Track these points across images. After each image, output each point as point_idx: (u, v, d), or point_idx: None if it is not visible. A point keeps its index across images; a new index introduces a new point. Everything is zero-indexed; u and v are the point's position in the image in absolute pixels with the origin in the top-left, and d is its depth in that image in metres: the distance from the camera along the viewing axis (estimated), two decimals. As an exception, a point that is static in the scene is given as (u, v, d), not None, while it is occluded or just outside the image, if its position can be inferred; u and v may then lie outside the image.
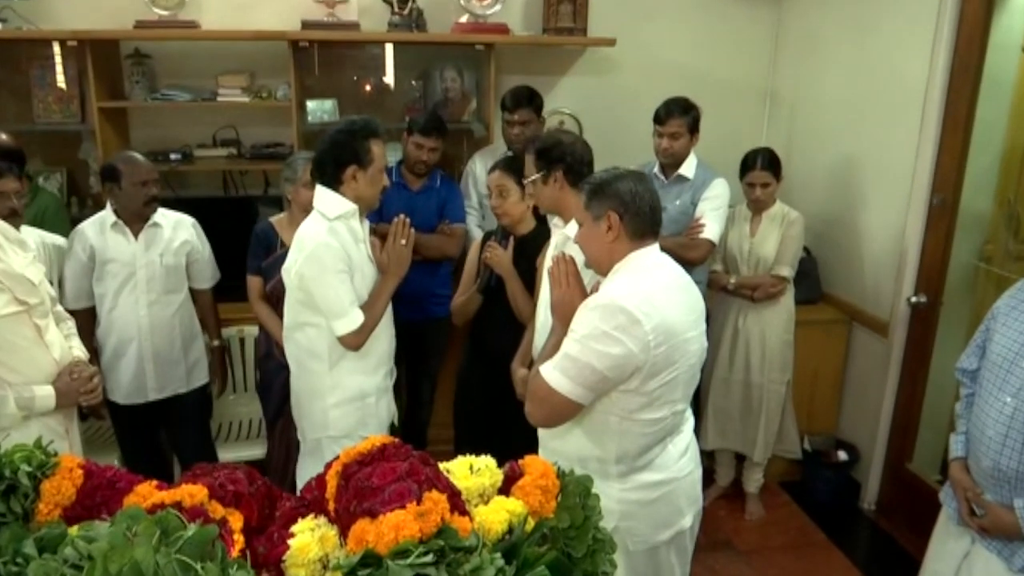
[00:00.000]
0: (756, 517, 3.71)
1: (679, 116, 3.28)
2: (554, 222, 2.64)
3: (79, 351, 2.49)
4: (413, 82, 4.18)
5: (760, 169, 3.42)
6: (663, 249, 3.21)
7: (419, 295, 3.39)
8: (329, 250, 2.41)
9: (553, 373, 1.89)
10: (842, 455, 3.84)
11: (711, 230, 3.24)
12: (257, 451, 3.44)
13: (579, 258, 2.13)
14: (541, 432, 2.14)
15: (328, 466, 1.35)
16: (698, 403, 3.63)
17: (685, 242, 3.24)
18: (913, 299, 3.45)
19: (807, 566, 3.36)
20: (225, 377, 3.42)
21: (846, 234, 3.88)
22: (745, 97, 4.50)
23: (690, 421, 2.13)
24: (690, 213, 3.30)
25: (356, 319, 2.47)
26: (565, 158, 2.46)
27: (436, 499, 1.15)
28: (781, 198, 3.57)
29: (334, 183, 2.49)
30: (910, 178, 3.42)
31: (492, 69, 3.86)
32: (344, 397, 2.58)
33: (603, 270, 2.03)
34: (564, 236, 2.45)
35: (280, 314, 2.90)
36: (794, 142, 4.24)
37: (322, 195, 2.51)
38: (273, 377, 3.13)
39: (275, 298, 3.00)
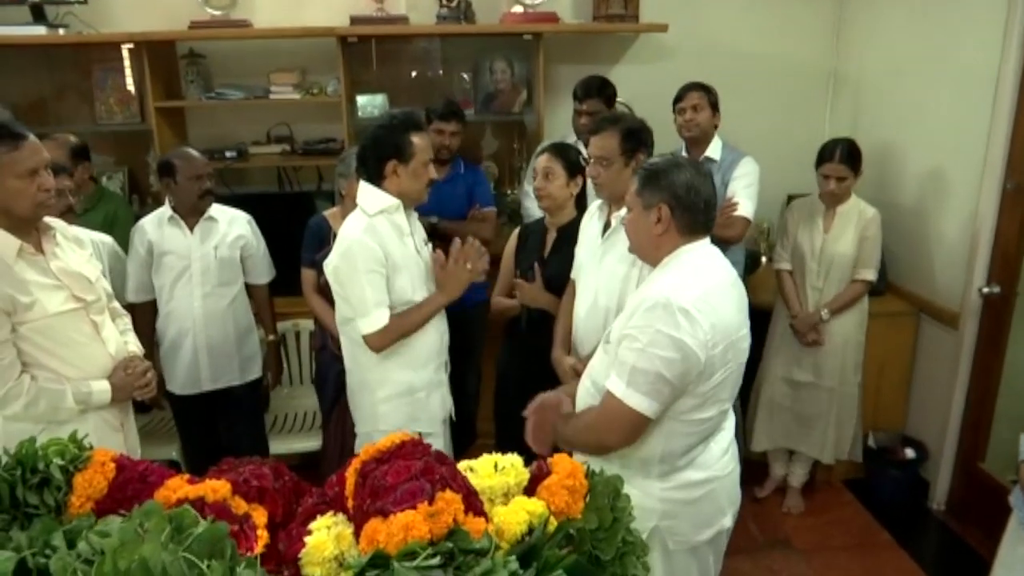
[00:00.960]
0: (796, 511, 3.63)
1: (697, 91, 3.28)
2: (598, 204, 2.59)
3: (134, 346, 2.55)
4: (463, 75, 4.17)
5: (838, 162, 3.28)
6: None
7: None
8: (363, 248, 2.40)
9: (631, 394, 1.81)
10: (909, 452, 3.71)
11: (745, 207, 3.19)
12: (313, 443, 3.48)
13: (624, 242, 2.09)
14: None
15: (349, 462, 1.34)
16: (744, 401, 3.54)
17: (722, 221, 3.18)
18: (985, 289, 3.32)
19: (870, 567, 3.25)
20: (279, 372, 3.47)
21: (914, 222, 3.73)
22: (806, 80, 4.35)
23: (731, 418, 2.08)
24: (721, 195, 3.25)
25: (378, 321, 2.45)
26: (650, 144, 2.44)
27: (449, 499, 1.13)
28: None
29: (376, 178, 2.49)
30: (982, 162, 3.28)
31: (541, 59, 3.83)
32: (393, 392, 2.57)
33: (648, 259, 1.99)
34: (622, 218, 2.40)
35: (334, 307, 2.94)
36: (859, 126, 4.09)
37: (364, 190, 2.51)
38: (328, 369, 3.16)
39: (329, 290, 3.02)
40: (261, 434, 3.40)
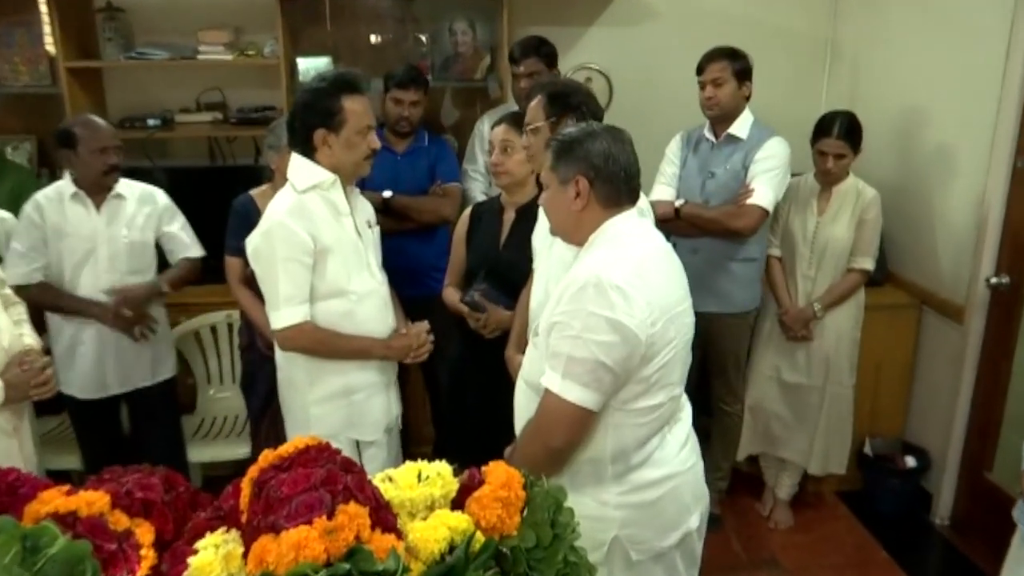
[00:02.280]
0: (783, 526, 3.62)
1: (720, 60, 3.17)
2: None
3: (30, 339, 2.47)
4: (419, 36, 4.12)
5: (836, 137, 3.24)
6: (706, 219, 3.17)
7: (417, 269, 3.35)
8: (284, 232, 2.33)
9: (569, 386, 1.80)
10: (910, 461, 3.71)
11: (762, 195, 3.12)
12: (241, 450, 3.41)
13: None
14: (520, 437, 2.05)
15: (246, 472, 1.27)
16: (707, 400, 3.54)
17: (731, 210, 3.14)
18: (993, 279, 3.32)
19: (865, 588, 3.24)
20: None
21: (916, 205, 3.73)
22: (801, 50, 4.33)
23: (687, 408, 2.08)
24: (742, 179, 3.20)
25: (289, 317, 2.38)
26: (581, 107, 2.38)
27: (353, 513, 1.07)
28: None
29: (306, 149, 2.42)
30: (990, 139, 3.27)
31: (505, 19, 3.79)
32: (327, 392, 2.51)
33: (572, 239, 1.99)
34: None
35: (263, 299, 2.86)
36: (857, 99, 4.07)
37: (295, 164, 2.44)
38: (257, 370, 3.09)
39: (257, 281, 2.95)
40: (178, 440, 3.33)
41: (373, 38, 4.11)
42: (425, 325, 2.67)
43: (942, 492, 3.64)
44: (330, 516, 1.06)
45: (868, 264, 3.36)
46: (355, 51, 4.07)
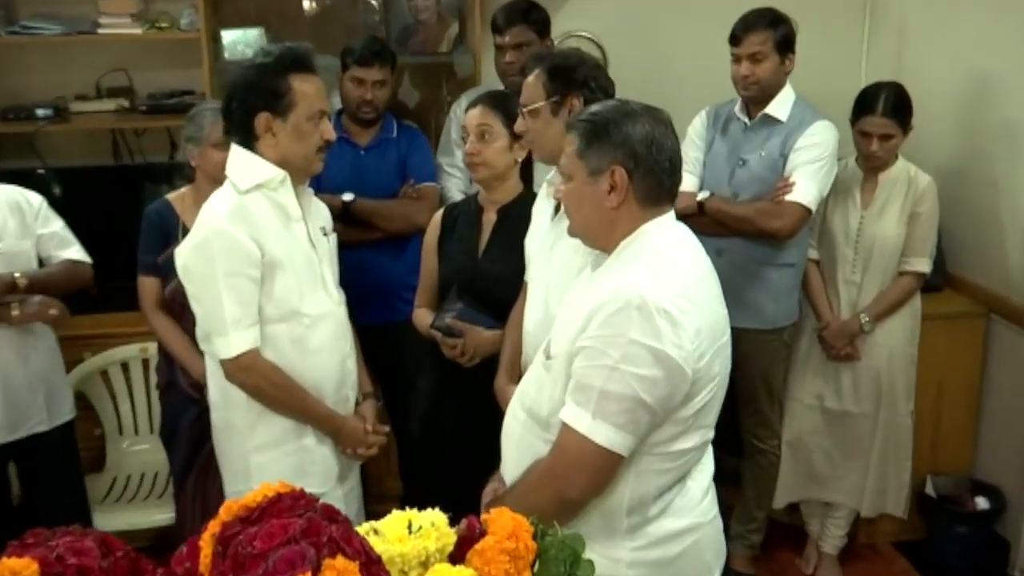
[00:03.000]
0: None
1: (761, 30, 3.22)
2: (548, 178, 2.61)
3: None
4: (371, 2, 4.15)
5: (881, 114, 3.30)
6: (735, 217, 3.24)
7: (384, 289, 3.40)
8: (225, 241, 2.37)
9: (600, 427, 1.82)
10: (981, 502, 3.77)
11: (804, 191, 3.18)
12: (162, 515, 3.42)
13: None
14: (514, 478, 2.09)
15: (205, 528, 1.33)
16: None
17: (766, 207, 3.21)
18: None
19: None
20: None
21: (979, 193, 3.82)
22: (836, 11, 4.44)
23: (710, 449, 2.12)
24: (780, 170, 3.27)
25: (241, 343, 2.41)
26: (589, 83, 2.43)
27: (342, 568, 1.13)
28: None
29: (246, 139, 2.46)
30: None
31: (476, -21, 3.86)
32: (271, 437, 2.55)
33: (598, 243, 2.01)
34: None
35: (187, 327, 2.87)
36: (904, 69, 4.17)
37: (235, 158, 2.48)
38: (180, 415, 3.12)
39: (179, 305, 2.97)
40: (81, 503, 3.32)
41: (311, 3, 4.15)
42: (385, 429, 2.78)
43: (1022, 539, 3.67)
44: (315, 573, 1.11)
45: (924, 266, 3.43)
46: (291, 21, 4.10)
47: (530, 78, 2.49)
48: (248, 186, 2.44)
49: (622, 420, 1.81)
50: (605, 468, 1.86)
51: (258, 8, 4.04)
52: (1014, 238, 3.68)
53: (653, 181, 1.91)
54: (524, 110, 2.50)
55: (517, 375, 2.64)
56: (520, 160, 2.81)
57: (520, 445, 2.05)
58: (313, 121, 2.47)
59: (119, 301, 3.33)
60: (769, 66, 3.23)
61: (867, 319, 3.41)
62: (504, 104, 2.76)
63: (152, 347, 3.55)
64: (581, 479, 1.87)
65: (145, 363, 3.68)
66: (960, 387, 3.86)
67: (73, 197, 3.24)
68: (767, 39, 3.21)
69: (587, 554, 1.47)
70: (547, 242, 2.54)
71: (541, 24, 3.53)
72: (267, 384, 2.47)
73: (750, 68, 3.23)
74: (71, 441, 3.28)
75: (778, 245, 3.30)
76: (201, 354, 2.71)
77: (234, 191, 2.45)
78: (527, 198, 2.81)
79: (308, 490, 2.52)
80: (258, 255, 2.40)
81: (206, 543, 1.27)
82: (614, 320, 1.80)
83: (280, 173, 2.46)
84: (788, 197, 3.18)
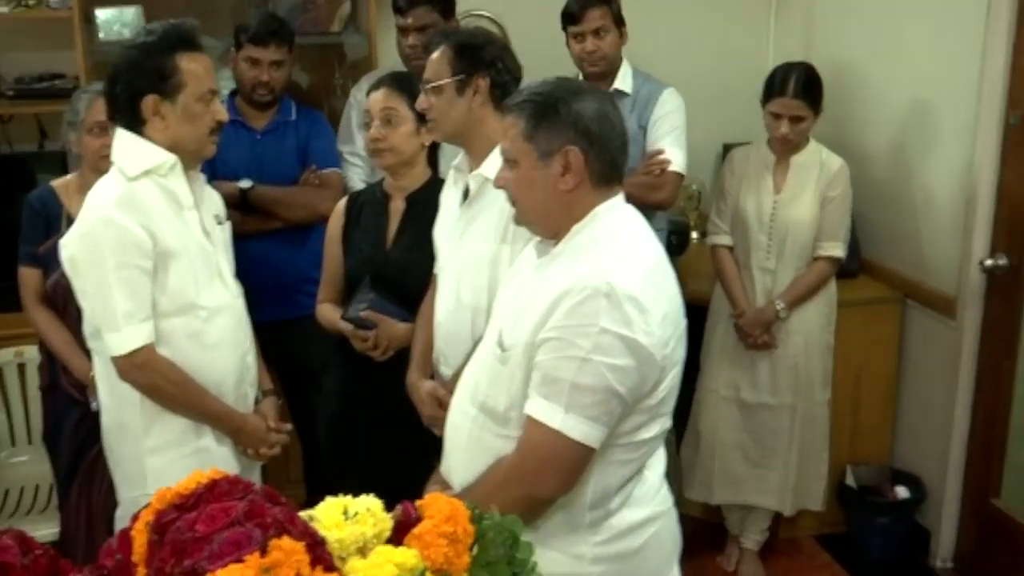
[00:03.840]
0: None
1: (599, 4, 3.40)
2: (455, 163, 2.67)
3: None
4: (255, -24, 4.17)
5: (792, 95, 3.42)
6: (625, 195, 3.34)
7: (285, 282, 3.43)
8: (114, 230, 2.38)
9: (573, 421, 1.85)
10: (901, 492, 3.91)
11: (677, 159, 3.36)
12: (47, 529, 3.38)
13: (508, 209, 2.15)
14: (464, 478, 2.10)
15: (135, 517, 1.36)
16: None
17: (648, 181, 3.34)
18: (988, 262, 3.50)
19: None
20: None
21: (890, 178, 3.96)
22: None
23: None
24: (640, 142, 3.41)
25: (135, 338, 2.42)
26: (496, 64, 2.50)
27: (289, 548, 1.18)
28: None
29: (133, 123, 2.48)
30: (975, 92, 3.48)
31: (371, -47, 3.89)
32: (168, 438, 2.56)
33: (549, 231, 2.04)
34: (482, 178, 2.47)
35: (69, 323, 2.89)
36: (813, 49, 4.31)
37: (121, 142, 2.50)
38: (63, 418, 3.10)
39: (61, 299, 2.97)
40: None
41: (191, -20, 4.15)
42: (287, 427, 2.81)
43: (942, 527, 3.82)
44: (263, 553, 1.17)
45: (838, 251, 3.55)
46: (170, -1, 4.10)
47: (435, 54, 2.52)
48: (136, 172, 2.45)
49: (595, 412, 1.85)
50: (579, 463, 1.90)
51: (134, -14, 4.00)
52: (927, 221, 3.81)
53: (608, 160, 1.96)
54: (427, 87, 2.53)
55: (429, 370, 2.70)
56: (427, 145, 2.87)
57: (471, 442, 2.06)
58: (203, 102, 2.49)
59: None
60: (612, 39, 3.43)
61: (782, 306, 3.51)
62: (409, 86, 2.79)
63: (29, 351, 3.53)
64: (554, 476, 1.91)
65: (21, 368, 3.63)
66: (877, 374, 3.99)
67: None
68: (605, 13, 3.41)
69: (547, 553, 1.51)
70: (456, 230, 2.59)
71: (445, 4, 3.58)
72: (164, 382, 2.48)
73: (595, 43, 3.41)
74: None
75: (651, 215, 3.40)
76: (85, 351, 2.72)
77: (122, 177, 2.46)
78: (436, 184, 2.85)
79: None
80: (150, 245, 2.41)
81: (139, 532, 1.31)
82: (581, 309, 1.84)
83: (171, 158, 2.48)
84: (667, 168, 3.36)
